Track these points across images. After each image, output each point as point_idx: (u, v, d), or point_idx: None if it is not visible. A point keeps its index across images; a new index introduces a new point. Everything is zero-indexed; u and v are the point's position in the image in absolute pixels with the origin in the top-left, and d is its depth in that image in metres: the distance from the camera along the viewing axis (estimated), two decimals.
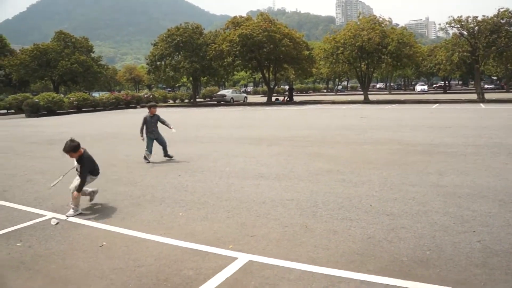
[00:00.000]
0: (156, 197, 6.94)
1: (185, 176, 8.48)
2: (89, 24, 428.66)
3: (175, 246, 4.78)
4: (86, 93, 44.56)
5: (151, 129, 10.34)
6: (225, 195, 6.90)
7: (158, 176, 8.64)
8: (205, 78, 49.51)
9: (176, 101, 51.31)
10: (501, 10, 36.09)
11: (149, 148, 10.30)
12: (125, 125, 21.91)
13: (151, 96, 47.67)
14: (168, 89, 76.76)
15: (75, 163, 6.31)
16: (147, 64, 46.63)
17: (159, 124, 10.45)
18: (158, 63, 44.42)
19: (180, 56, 43.46)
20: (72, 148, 6.11)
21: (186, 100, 51.84)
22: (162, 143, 10.46)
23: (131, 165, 10.01)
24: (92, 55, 56.19)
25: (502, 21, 35.71)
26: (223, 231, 5.21)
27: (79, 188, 6.12)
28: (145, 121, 10.38)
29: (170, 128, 10.52)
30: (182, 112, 32.82)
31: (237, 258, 4.37)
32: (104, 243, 4.95)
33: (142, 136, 10.38)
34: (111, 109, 39.18)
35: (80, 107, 36.50)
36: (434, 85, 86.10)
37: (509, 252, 4.34)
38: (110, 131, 18.57)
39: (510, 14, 35.59)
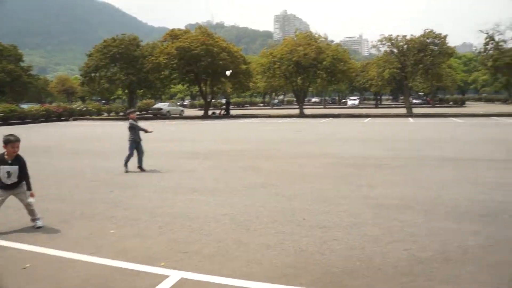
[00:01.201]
0: (86, 213, 6.68)
1: (117, 192, 8.24)
2: (19, 31, 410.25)
3: (105, 266, 4.60)
4: (13, 104, 42.41)
5: (136, 134, 10.73)
6: (158, 210, 6.77)
7: (89, 191, 8.34)
8: (141, 91, 48.58)
9: (111, 114, 49.96)
10: (427, 30, 38.36)
11: (132, 152, 10.65)
12: (54, 138, 21.04)
13: (84, 108, 46.20)
14: (103, 101, 74.73)
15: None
16: (81, 75, 45.30)
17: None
18: (93, 74, 43.23)
19: (115, 68, 42.58)
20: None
21: (121, 113, 50.66)
22: (141, 152, 10.76)
23: (60, 180, 9.61)
24: (22, 64, 53.79)
25: (427, 40, 37.93)
26: (155, 248, 5.09)
27: None
28: (134, 126, 10.84)
29: (147, 131, 11.25)
30: (117, 125, 32.00)
31: (168, 276, 4.27)
32: (27, 265, 4.68)
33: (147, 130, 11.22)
34: (41, 121, 37.52)
35: (6, 119, 34.65)
36: (351, 100, 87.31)
37: (432, 259, 4.55)
38: (38, 145, 17.76)
39: (434, 34, 37.93)
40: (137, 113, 51.53)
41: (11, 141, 5.80)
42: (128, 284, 4.14)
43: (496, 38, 37.24)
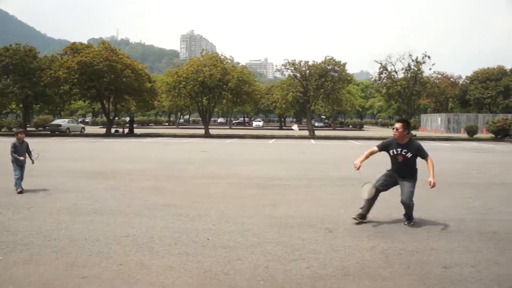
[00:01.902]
0: None
1: (7, 214, 7.61)
2: None
3: None
4: None
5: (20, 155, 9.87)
6: (54, 233, 6.34)
7: None
8: (38, 105, 45.91)
9: (3, 130, 46.52)
10: (327, 57, 40.47)
11: (20, 173, 9.74)
12: None
13: None
14: None
15: None
16: None
17: None
18: None
19: (8, 80, 39.74)
20: None
21: (15, 129, 47.42)
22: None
23: None
24: None
25: (328, 67, 40.05)
26: (49, 274, 4.73)
27: None
28: (15, 147, 9.86)
29: (32, 160, 10.17)
30: (10, 142, 29.85)
31: None
32: None
33: (20, 158, 9.82)
34: None
35: None
36: (234, 122, 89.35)
37: (332, 275, 4.72)
38: None
39: (334, 62, 40.19)
40: (33, 129, 48.63)
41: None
42: None
43: (389, 68, 40.18)
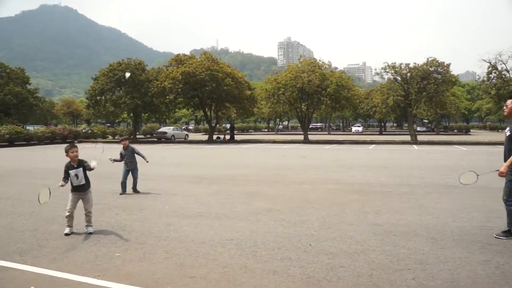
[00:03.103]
0: (91, 236, 6.66)
1: (122, 215, 8.22)
2: (27, 54, 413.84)
3: None
4: (19, 126, 42.65)
5: (126, 161, 10.91)
6: (164, 234, 6.74)
7: (94, 214, 8.29)
8: (146, 114, 48.86)
9: (116, 137, 50.16)
10: (430, 59, 38.61)
11: (124, 177, 10.87)
12: (58, 160, 21.04)
13: (89, 131, 46.45)
14: (108, 124, 75.18)
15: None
16: (87, 98, 45.54)
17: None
18: (98, 97, 43.43)
19: (121, 92, 42.82)
20: None
21: (126, 137, 50.84)
22: (134, 177, 10.96)
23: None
24: (29, 87, 54.32)
25: (431, 69, 38.18)
26: (161, 272, 5.05)
27: None
28: (121, 154, 10.97)
29: (146, 160, 11.22)
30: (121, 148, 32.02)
31: None
32: (32, 287, 4.65)
33: (115, 160, 11.03)
34: (46, 143, 37.74)
35: (12, 141, 34.89)
36: (355, 126, 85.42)
37: None
38: (42, 167, 17.81)
39: (437, 63, 38.20)
40: (142, 136, 51.71)
41: (70, 147, 6.96)
42: None
43: (499, 67, 37.42)
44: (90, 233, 6.79)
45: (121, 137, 12.46)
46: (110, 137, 49.98)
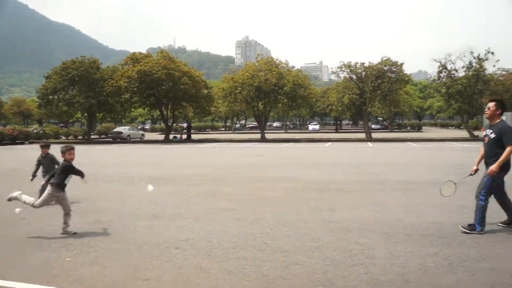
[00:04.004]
0: (40, 241, 6.43)
1: (75, 218, 7.92)
2: None
3: None
4: None
5: (45, 170, 9.46)
6: (117, 237, 6.59)
7: (43, 218, 8.04)
8: (101, 114, 47.78)
9: (69, 138, 48.81)
10: (384, 58, 39.61)
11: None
12: (8, 162, 20.31)
13: (41, 131, 45.00)
14: (61, 124, 73.03)
15: None
16: (38, 97, 44.07)
17: None
18: (51, 97, 41.95)
19: (75, 91, 41.63)
20: None
21: (80, 137, 49.57)
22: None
23: (13, 206, 9.17)
24: None
25: (385, 68, 39.16)
26: (114, 276, 4.93)
27: None
28: (39, 162, 9.63)
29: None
30: (76, 149, 31.17)
31: None
32: None
33: (32, 178, 9.32)
34: None
35: None
36: (311, 125, 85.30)
37: (392, 282, 4.61)
38: None
39: (391, 62, 39.26)
40: (97, 137, 50.56)
41: (69, 149, 6.97)
42: None
43: (448, 67, 38.68)
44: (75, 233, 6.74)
45: (40, 142, 10.56)
46: (63, 137, 48.61)
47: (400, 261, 5.27)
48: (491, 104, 6.55)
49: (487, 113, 6.62)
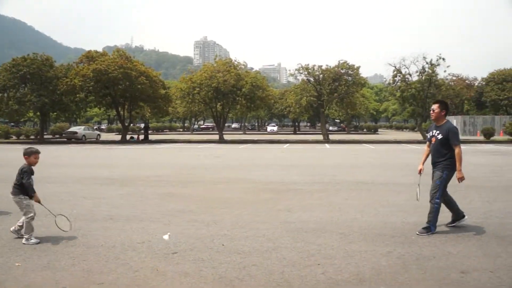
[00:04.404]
0: None
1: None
2: None
3: None
4: None
5: None
6: (71, 240, 6.40)
7: None
8: (55, 113, 46.41)
9: (21, 137, 47.13)
10: (341, 61, 40.37)
11: None
12: None
13: None
14: (11, 124, 70.51)
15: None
16: None
17: None
18: (0, 94, 40.46)
19: (26, 89, 40.21)
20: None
21: (32, 137, 47.95)
22: None
23: None
24: None
25: (342, 71, 39.92)
26: (66, 280, 4.77)
27: None
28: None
29: None
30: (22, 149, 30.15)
31: None
32: None
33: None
34: None
35: None
36: (270, 126, 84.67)
37: (347, 281, 4.67)
38: None
39: (348, 65, 40.07)
40: (50, 137, 49.08)
41: (37, 152, 6.68)
42: None
43: (403, 71, 39.84)
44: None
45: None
46: (14, 137, 46.92)
47: (355, 260, 5.36)
48: (435, 106, 6.80)
49: (432, 115, 6.85)
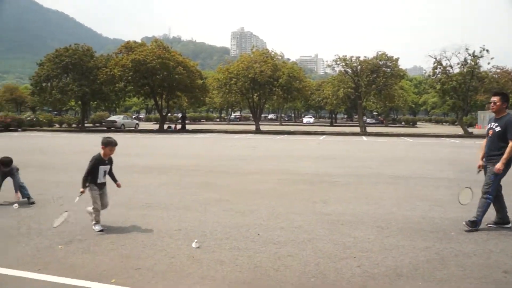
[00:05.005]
0: (33, 229, 6.39)
1: (67, 206, 7.94)
2: None
3: (51, 283, 4.39)
4: None
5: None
6: (110, 226, 6.56)
7: (37, 205, 8.01)
8: (95, 102, 47.50)
9: (63, 126, 48.52)
10: (379, 53, 39.54)
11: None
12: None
13: (34, 119, 44.68)
14: (55, 112, 72.61)
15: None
16: (31, 85, 43.73)
17: None
18: (44, 84, 41.65)
19: (68, 78, 41.31)
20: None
21: (74, 125, 49.28)
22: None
23: (5, 194, 9.11)
24: None
25: (380, 62, 39.11)
26: (106, 265, 4.91)
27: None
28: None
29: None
30: (69, 137, 31.09)
31: None
32: None
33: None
34: None
35: None
36: (306, 117, 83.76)
37: (384, 275, 4.61)
38: None
39: (386, 57, 39.19)
40: (90, 125, 50.31)
41: (112, 144, 6.56)
42: None
43: (444, 63, 38.72)
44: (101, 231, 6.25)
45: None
46: (57, 125, 48.33)
47: (393, 254, 5.28)
48: (496, 99, 6.47)
49: (493, 108, 6.53)
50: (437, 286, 4.37)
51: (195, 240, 5.62)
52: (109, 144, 6.52)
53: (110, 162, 6.67)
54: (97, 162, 6.44)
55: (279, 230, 6.32)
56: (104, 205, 6.57)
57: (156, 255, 5.22)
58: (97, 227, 6.30)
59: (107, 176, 6.67)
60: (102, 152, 6.54)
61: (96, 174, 6.42)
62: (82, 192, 6.29)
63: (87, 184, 6.37)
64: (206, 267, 4.82)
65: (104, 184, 6.59)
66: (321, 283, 4.41)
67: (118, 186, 6.78)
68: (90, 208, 6.46)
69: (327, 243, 5.74)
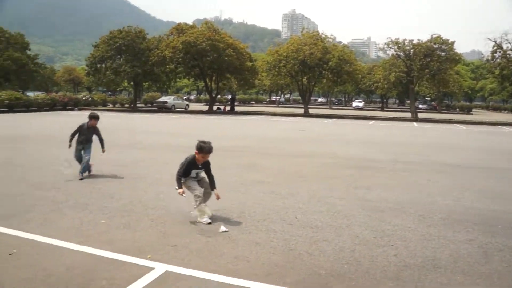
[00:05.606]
0: (79, 203, 6.65)
1: (113, 182, 8.21)
2: (26, 21, 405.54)
3: (91, 255, 4.57)
4: (19, 92, 42.35)
5: (82, 140, 8.85)
6: (152, 203, 6.73)
7: (85, 181, 8.31)
8: (147, 83, 48.53)
9: (116, 106, 49.92)
10: (434, 36, 38.03)
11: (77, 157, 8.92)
12: (57, 127, 21.01)
13: (89, 99, 46.18)
14: (109, 92, 74.79)
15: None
16: (87, 66, 45.16)
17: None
18: (99, 65, 42.90)
19: (121, 60, 42.33)
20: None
21: (126, 105, 50.58)
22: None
23: (57, 169, 9.52)
24: (28, 52, 53.85)
25: (434, 46, 37.63)
26: (143, 240, 5.05)
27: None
28: (79, 131, 8.82)
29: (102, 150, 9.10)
30: (121, 117, 31.95)
31: (154, 268, 4.24)
32: (14, 251, 4.64)
33: (70, 145, 8.77)
34: (46, 110, 37.50)
35: (11, 107, 34.64)
36: (355, 102, 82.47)
37: (421, 266, 4.49)
38: (40, 133, 17.75)
39: (441, 40, 37.60)
40: (142, 105, 51.45)
41: (205, 151, 6.04)
42: (112, 274, 4.11)
43: (504, 46, 36.83)
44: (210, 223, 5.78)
45: (91, 111, 8.75)
46: (111, 105, 49.78)
47: (432, 245, 5.13)
48: None
49: None
50: (478, 281, 4.21)
51: (222, 224, 5.63)
52: (202, 151, 6.01)
53: (204, 165, 6.20)
54: (189, 166, 6.11)
55: (317, 214, 6.28)
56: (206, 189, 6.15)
57: (193, 234, 5.32)
58: (205, 219, 5.84)
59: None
60: (196, 156, 6.10)
61: (187, 174, 6.14)
62: (181, 194, 5.87)
63: (182, 181, 6.05)
64: (241, 248, 4.86)
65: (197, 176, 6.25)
66: (355, 270, 4.34)
67: (217, 197, 6.09)
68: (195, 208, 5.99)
69: (365, 229, 5.65)
